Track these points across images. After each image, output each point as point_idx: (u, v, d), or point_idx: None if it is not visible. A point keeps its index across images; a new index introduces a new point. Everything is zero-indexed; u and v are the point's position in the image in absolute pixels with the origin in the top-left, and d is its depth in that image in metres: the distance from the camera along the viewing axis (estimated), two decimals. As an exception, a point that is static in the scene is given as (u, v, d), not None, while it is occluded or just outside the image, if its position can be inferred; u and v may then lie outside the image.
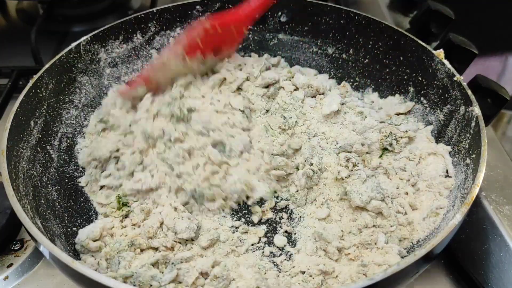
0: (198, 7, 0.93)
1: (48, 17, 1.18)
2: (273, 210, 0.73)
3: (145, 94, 0.79)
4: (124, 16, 0.88)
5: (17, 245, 0.73)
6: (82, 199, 0.75)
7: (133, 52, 0.91)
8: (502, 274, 0.66)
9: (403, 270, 0.50)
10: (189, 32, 0.79)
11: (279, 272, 0.64)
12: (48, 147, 0.74)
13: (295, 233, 0.70)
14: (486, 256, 0.69)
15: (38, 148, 0.71)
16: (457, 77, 0.74)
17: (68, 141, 0.79)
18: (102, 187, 0.75)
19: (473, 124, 0.68)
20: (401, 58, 0.86)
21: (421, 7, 1.08)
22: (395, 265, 0.49)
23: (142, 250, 0.65)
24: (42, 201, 0.66)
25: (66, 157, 0.77)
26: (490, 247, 0.68)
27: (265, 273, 0.63)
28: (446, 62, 0.77)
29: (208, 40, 0.79)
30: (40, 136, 0.73)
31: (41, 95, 0.74)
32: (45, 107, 0.75)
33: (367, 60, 0.91)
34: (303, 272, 0.63)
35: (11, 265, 0.70)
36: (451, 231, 0.54)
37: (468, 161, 0.68)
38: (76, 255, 0.65)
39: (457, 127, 0.74)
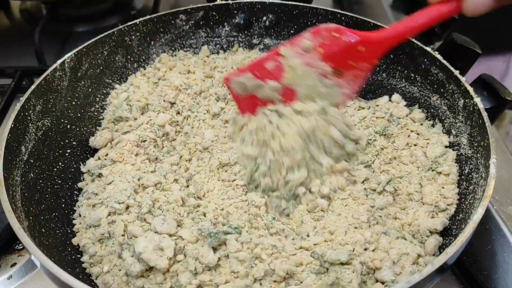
0: (181, 16, 0.92)
1: (51, 17, 1.18)
2: None
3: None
4: (127, 16, 0.88)
5: (20, 244, 0.73)
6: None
7: (119, 65, 0.88)
8: (506, 275, 0.66)
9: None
10: (333, 42, 0.65)
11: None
12: (40, 170, 0.71)
13: None
14: (490, 257, 0.68)
15: (32, 174, 0.68)
16: (452, 70, 0.74)
17: (61, 164, 0.75)
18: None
19: (475, 117, 0.68)
20: (392, 55, 0.86)
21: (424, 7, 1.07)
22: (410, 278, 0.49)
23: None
24: (43, 230, 0.64)
25: (59, 181, 0.74)
26: (494, 248, 0.68)
27: None
28: (439, 56, 0.77)
29: (343, 56, 0.66)
30: (32, 161, 0.69)
31: (29, 118, 0.70)
32: (34, 130, 0.71)
33: None
34: None
35: (14, 264, 0.71)
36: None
37: (476, 155, 0.67)
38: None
39: (456, 120, 0.74)
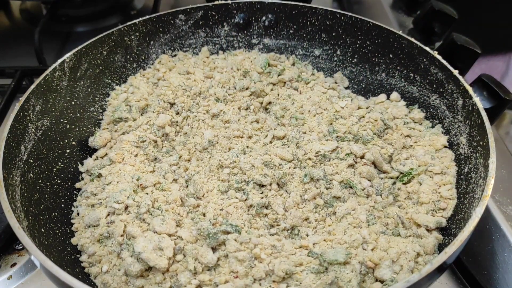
0: (181, 15, 0.92)
1: (51, 17, 1.19)
2: None
3: None
4: (127, 16, 0.88)
5: (20, 244, 0.73)
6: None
7: (119, 65, 0.89)
8: (506, 275, 0.66)
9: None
10: None
11: None
12: (39, 170, 0.71)
13: None
14: (490, 257, 0.68)
15: (31, 174, 0.68)
16: (451, 70, 0.74)
17: (60, 164, 0.75)
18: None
19: (474, 116, 0.68)
20: (391, 55, 0.86)
21: (425, 7, 1.08)
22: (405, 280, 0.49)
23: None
24: (42, 230, 0.64)
25: (58, 181, 0.73)
26: (494, 248, 0.68)
27: None
28: (438, 56, 0.77)
29: None
30: (31, 161, 0.69)
31: (29, 118, 0.71)
32: (33, 130, 0.71)
33: (355, 60, 0.91)
34: None
35: (14, 264, 0.71)
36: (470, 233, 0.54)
37: (476, 154, 0.67)
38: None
39: (455, 120, 0.74)
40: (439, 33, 1.05)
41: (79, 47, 0.81)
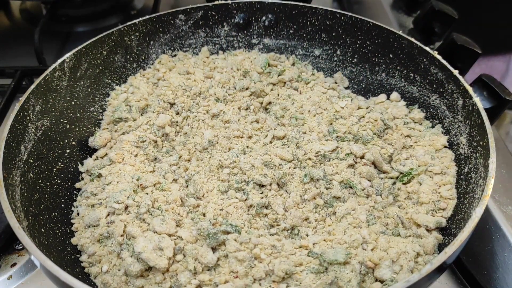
0: (181, 15, 0.92)
1: (51, 17, 1.19)
2: None
3: None
4: (127, 16, 0.88)
5: (20, 244, 0.73)
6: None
7: (119, 65, 0.89)
8: (506, 275, 0.66)
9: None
10: None
11: None
12: (39, 170, 0.71)
13: None
14: (490, 257, 0.68)
15: (31, 174, 0.68)
16: (451, 70, 0.74)
17: (60, 164, 0.75)
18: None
19: (474, 116, 0.68)
20: (391, 55, 0.86)
21: (425, 7, 1.08)
22: (407, 279, 0.49)
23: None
24: (42, 230, 0.64)
25: (58, 181, 0.73)
26: (494, 248, 0.68)
27: None
28: (438, 57, 0.77)
29: None
30: (31, 161, 0.69)
31: (29, 118, 0.71)
32: (33, 130, 0.71)
33: (355, 60, 0.92)
34: None
35: (14, 264, 0.71)
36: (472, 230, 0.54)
37: (476, 154, 0.67)
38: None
39: (455, 120, 0.74)
40: (439, 33, 1.05)
41: (79, 47, 0.81)
